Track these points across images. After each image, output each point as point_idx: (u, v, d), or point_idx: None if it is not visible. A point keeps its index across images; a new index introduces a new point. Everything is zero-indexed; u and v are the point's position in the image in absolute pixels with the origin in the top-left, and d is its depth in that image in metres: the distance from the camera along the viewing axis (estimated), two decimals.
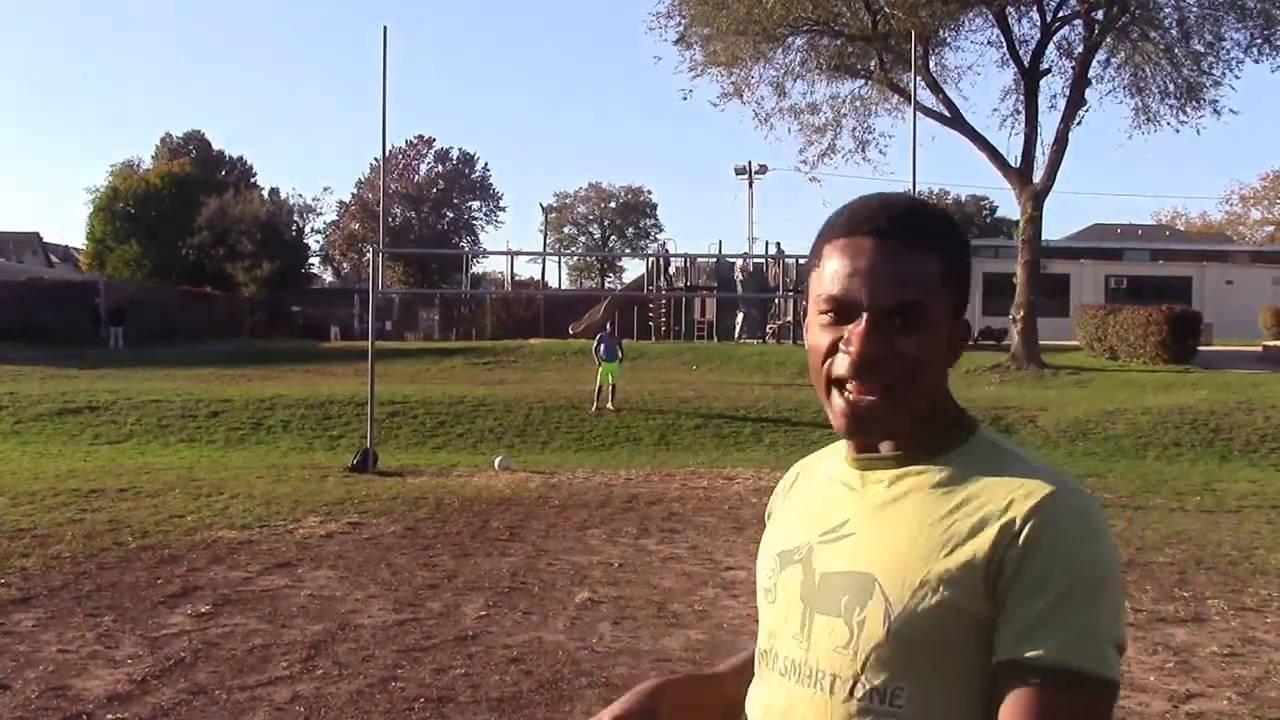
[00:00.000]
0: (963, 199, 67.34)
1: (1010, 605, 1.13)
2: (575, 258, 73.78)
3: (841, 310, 1.19)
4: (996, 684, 1.13)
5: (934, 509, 1.19)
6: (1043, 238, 25.72)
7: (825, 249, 1.22)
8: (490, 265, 69.99)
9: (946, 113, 24.44)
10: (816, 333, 1.22)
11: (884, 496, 1.24)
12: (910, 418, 1.21)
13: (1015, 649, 1.11)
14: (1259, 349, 26.90)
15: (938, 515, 1.19)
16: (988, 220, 66.05)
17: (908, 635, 1.16)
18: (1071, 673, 1.09)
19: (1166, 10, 23.63)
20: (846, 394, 1.19)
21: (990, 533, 1.15)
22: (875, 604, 1.18)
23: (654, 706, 1.33)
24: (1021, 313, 23.89)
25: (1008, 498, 1.16)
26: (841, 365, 1.19)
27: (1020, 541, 1.13)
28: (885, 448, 1.26)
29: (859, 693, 1.18)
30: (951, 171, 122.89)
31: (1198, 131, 30.99)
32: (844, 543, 1.24)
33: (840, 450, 1.33)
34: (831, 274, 1.20)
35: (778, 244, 34.61)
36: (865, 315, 1.17)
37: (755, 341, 31.16)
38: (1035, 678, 1.10)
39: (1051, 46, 24.64)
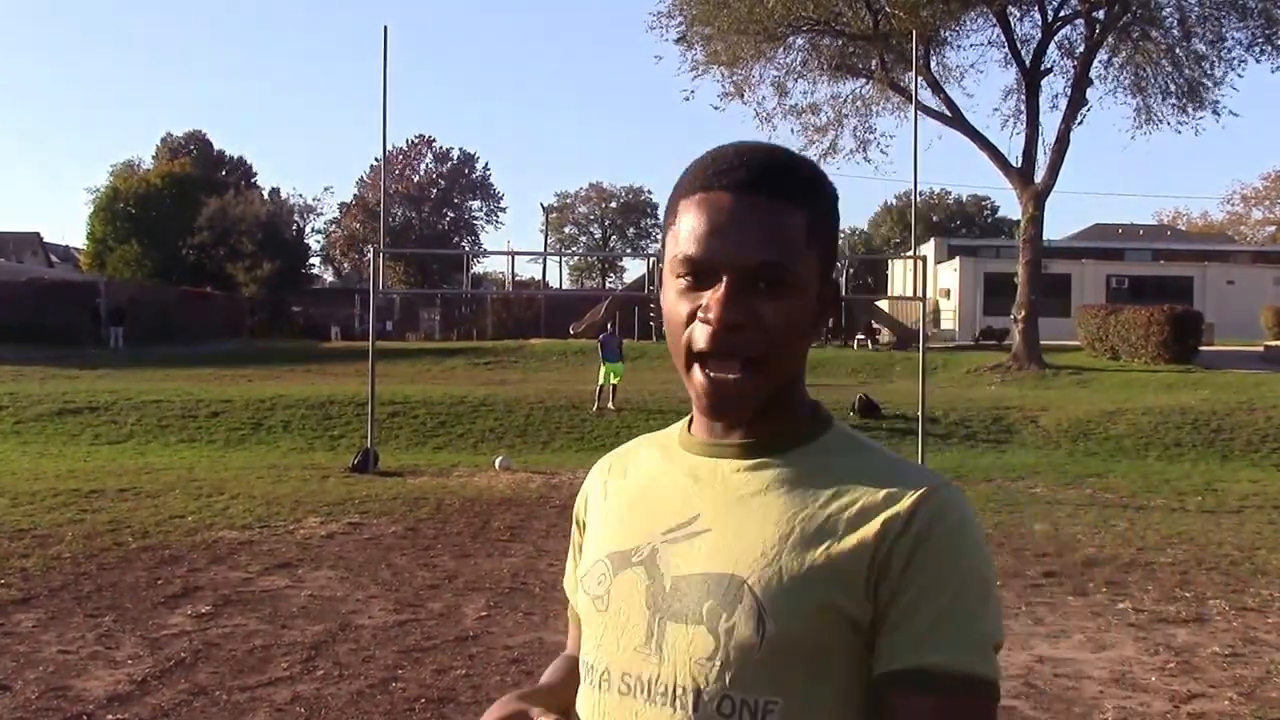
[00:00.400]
0: (964, 199, 67.43)
1: (902, 607, 1.05)
2: (576, 258, 73.81)
3: (699, 273, 1.08)
4: (885, 692, 1.05)
5: (804, 501, 1.10)
6: (1044, 238, 25.75)
7: (681, 205, 1.11)
8: (491, 265, 70.03)
9: (948, 112, 24.45)
10: (673, 299, 1.10)
11: (742, 488, 1.12)
12: (772, 392, 1.12)
13: (914, 656, 1.04)
14: (1260, 349, 26.91)
15: (809, 508, 1.09)
16: (989, 220, 66.07)
17: (783, 642, 1.05)
18: (968, 678, 1.03)
19: (1167, 10, 23.65)
20: (708, 370, 1.09)
21: (874, 527, 1.06)
22: (746, 609, 1.06)
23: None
24: (1023, 313, 23.90)
25: (887, 491, 1.08)
26: (702, 336, 1.07)
27: (909, 537, 1.06)
28: (737, 434, 1.14)
29: (726, 709, 1.05)
30: (952, 171, 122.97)
31: (1196, 132, 31.02)
32: (698, 541, 1.11)
33: (663, 440, 1.23)
34: (688, 233, 1.08)
35: None
36: (725, 278, 1.06)
37: None
38: (934, 685, 1.03)
39: (1053, 46, 24.70)
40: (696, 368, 1.09)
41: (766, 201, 1.08)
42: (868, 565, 1.06)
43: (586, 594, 1.17)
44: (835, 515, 1.08)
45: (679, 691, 1.07)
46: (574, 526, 1.30)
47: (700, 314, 1.07)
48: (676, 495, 1.15)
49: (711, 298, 1.06)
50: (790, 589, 1.06)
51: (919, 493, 1.08)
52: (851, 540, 1.07)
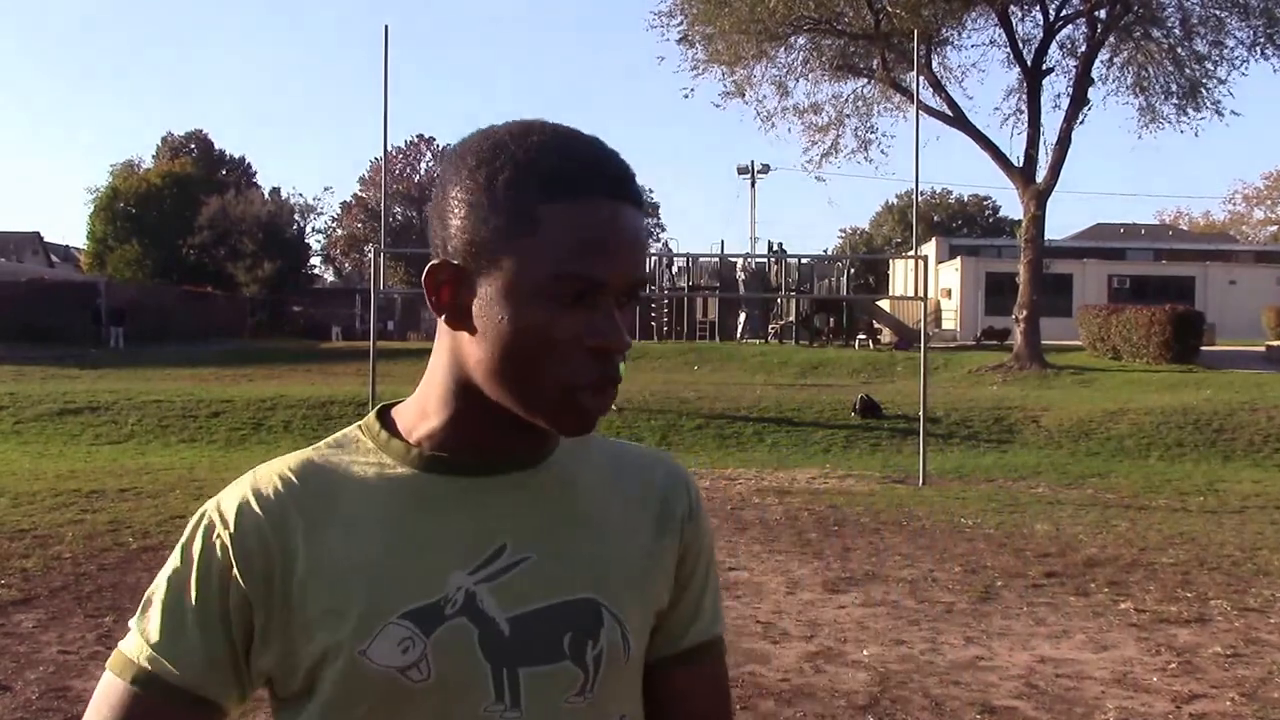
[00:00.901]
0: (965, 198, 67.40)
1: (693, 588, 1.11)
2: None
3: (581, 290, 0.93)
4: (676, 668, 1.10)
5: (604, 505, 1.05)
6: (1045, 237, 25.73)
7: (545, 209, 0.92)
8: None
9: (949, 112, 24.43)
10: (542, 315, 0.92)
11: (534, 503, 1.01)
12: None
13: (709, 630, 1.12)
14: (1262, 349, 26.87)
15: (614, 512, 1.05)
16: (990, 220, 66.03)
17: (638, 655, 1.04)
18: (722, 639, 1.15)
19: (1169, 9, 23.63)
20: (589, 397, 0.95)
21: (674, 519, 1.09)
22: (609, 630, 1.00)
23: None
24: (1024, 312, 23.88)
25: (661, 480, 1.10)
26: (599, 363, 0.94)
27: (693, 522, 1.11)
28: (500, 447, 1.01)
29: None
30: (954, 171, 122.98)
31: (1196, 133, 30.92)
32: (521, 571, 0.98)
33: (354, 463, 1.02)
34: (571, 244, 0.92)
35: (779, 244, 34.59)
36: (616, 298, 0.95)
37: (757, 341, 31.14)
38: (718, 650, 1.13)
39: (1054, 45, 24.69)
40: (576, 392, 0.94)
41: (638, 210, 0.96)
42: (677, 557, 1.09)
43: (387, 666, 0.94)
44: (639, 514, 1.07)
45: None
46: (227, 584, 0.97)
47: (598, 339, 0.93)
48: (456, 526, 0.99)
49: (607, 322, 0.94)
50: (639, 600, 1.04)
51: (680, 474, 1.13)
52: (664, 538, 1.08)
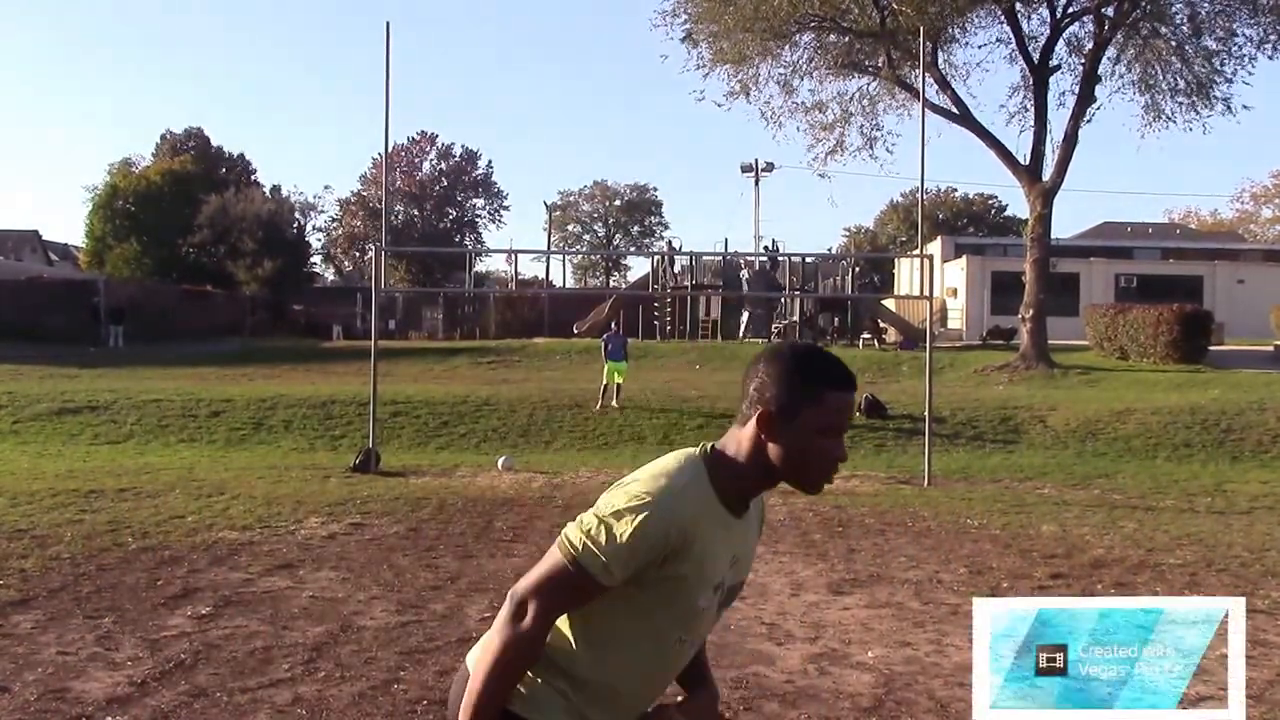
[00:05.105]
0: (971, 197, 67.29)
1: None
2: (580, 256, 73.78)
3: (838, 433, 1.99)
4: None
5: (755, 526, 2.20)
6: (1052, 236, 25.61)
7: (829, 394, 1.98)
8: (494, 264, 69.84)
9: (955, 110, 24.33)
10: (821, 444, 1.98)
11: (745, 531, 2.13)
12: None
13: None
14: (1270, 348, 26.81)
15: (754, 530, 2.20)
16: (996, 218, 65.95)
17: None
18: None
19: (1177, 6, 23.51)
20: (830, 476, 2.04)
21: (764, 523, 2.32)
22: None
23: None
24: (1030, 312, 23.81)
25: (761, 505, 2.24)
26: (836, 462, 2.02)
27: (764, 520, 2.32)
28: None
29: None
30: (960, 169, 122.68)
31: (1205, 130, 30.76)
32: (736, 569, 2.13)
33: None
34: (838, 412, 1.99)
35: (776, 242, 34.47)
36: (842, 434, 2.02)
37: (760, 341, 31.05)
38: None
39: (1061, 43, 24.58)
40: (828, 477, 2.04)
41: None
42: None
43: (702, 606, 2.07)
44: (757, 528, 2.23)
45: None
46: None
47: (839, 453, 2.02)
48: (730, 545, 2.11)
49: (842, 444, 2.02)
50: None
51: (763, 499, 2.27)
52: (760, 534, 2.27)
